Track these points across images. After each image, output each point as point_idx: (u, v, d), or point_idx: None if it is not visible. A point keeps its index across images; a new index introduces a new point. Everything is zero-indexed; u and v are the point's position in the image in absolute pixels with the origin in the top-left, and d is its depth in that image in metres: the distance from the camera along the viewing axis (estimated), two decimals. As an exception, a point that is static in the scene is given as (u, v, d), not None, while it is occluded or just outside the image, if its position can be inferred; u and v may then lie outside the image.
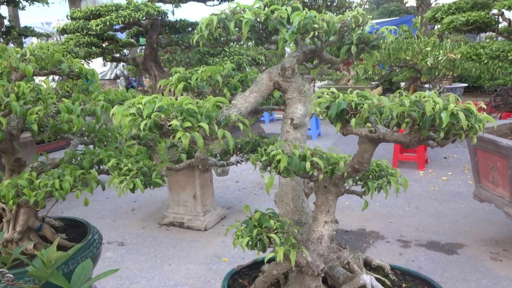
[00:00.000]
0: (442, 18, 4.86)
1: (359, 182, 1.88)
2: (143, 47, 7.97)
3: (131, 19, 5.60)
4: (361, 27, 1.77)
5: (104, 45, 6.88)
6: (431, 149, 7.06)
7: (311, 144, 1.70)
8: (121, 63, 12.84)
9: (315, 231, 1.79)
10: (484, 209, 4.57)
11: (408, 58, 5.96)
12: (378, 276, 1.87)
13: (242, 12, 1.77)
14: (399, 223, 4.39)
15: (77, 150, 2.33)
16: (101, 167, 2.24)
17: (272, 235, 1.60)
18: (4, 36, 7.74)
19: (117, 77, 15.43)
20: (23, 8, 7.74)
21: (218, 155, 2.14)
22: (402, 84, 9.15)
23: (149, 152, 2.04)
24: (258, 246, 1.62)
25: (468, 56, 4.07)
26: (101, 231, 4.12)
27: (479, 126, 1.38)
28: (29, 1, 7.46)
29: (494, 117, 7.33)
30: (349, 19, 1.72)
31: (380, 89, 12.91)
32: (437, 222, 4.37)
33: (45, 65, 2.21)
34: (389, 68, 6.82)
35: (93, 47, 6.69)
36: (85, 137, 2.42)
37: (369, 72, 6.63)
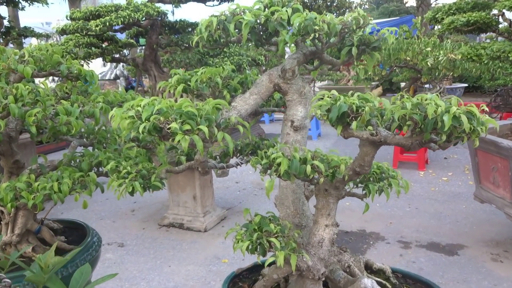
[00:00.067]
0: (443, 18, 4.84)
1: (360, 185, 1.87)
2: (143, 47, 7.95)
3: (131, 20, 5.58)
4: (362, 29, 1.76)
5: (103, 45, 6.86)
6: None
7: (311, 145, 1.69)
8: (121, 64, 12.83)
9: (316, 234, 1.77)
10: (484, 210, 4.55)
11: (408, 58, 5.95)
12: (379, 279, 1.86)
13: (242, 13, 1.76)
14: (400, 224, 4.38)
15: (76, 152, 2.31)
16: (100, 169, 2.23)
17: (273, 239, 1.59)
18: (3, 37, 7.72)
19: (117, 77, 15.42)
20: (22, 9, 7.73)
21: (218, 157, 2.13)
22: (402, 84, 9.14)
23: (149, 154, 2.03)
24: (258, 250, 1.60)
25: (468, 56, 4.06)
26: (101, 232, 4.10)
27: (481, 129, 1.36)
28: (29, 2, 7.45)
29: (494, 118, 7.32)
30: (350, 20, 1.71)
31: (380, 89, 12.91)
32: (438, 223, 4.36)
33: (44, 66, 2.19)
34: (389, 68, 6.81)
35: (93, 48, 6.68)
36: (84, 139, 2.41)
37: (369, 73, 6.62)
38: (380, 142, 1.50)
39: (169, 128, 1.42)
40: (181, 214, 4.48)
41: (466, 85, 11.68)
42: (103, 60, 7.13)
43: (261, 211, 1.79)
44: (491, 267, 3.43)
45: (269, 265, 1.80)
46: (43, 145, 6.80)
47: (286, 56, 1.91)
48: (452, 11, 4.88)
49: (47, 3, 7.76)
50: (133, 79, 14.45)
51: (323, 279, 1.75)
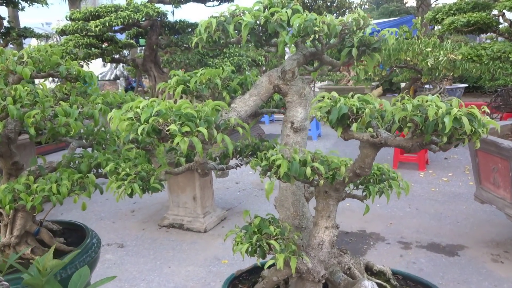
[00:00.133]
0: (443, 19, 4.83)
1: (360, 186, 1.86)
2: (143, 48, 7.94)
3: (131, 20, 5.57)
4: (362, 30, 1.75)
5: (103, 46, 6.85)
6: (431, 150, 7.02)
7: (311, 145, 1.69)
8: (121, 64, 12.82)
9: (316, 236, 1.77)
10: (485, 210, 4.55)
11: (408, 58, 5.94)
12: (379, 281, 1.85)
13: (241, 14, 1.75)
14: (400, 224, 4.37)
15: (75, 153, 2.31)
16: (99, 170, 2.22)
17: (272, 241, 1.58)
18: (3, 37, 7.71)
19: (117, 77, 15.42)
20: (22, 9, 7.72)
21: (217, 158, 2.12)
22: (402, 84, 9.13)
23: (148, 155, 2.02)
24: (258, 252, 1.59)
25: (469, 57, 4.05)
26: (100, 233, 4.10)
27: (482, 130, 1.35)
28: (28, 2, 7.44)
29: (494, 118, 7.31)
30: (350, 21, 1.70)
31: (380, 89, 12.91)
32: (438, 224, 4.35)
33: (43, 67, 2.19)
34: (389, 68, 6.80)
35: (93, 48, 6.67)
36: (84, 140, 2.40)
37: (369, 73, 6.61)
38: (381, 144, 1.50)
39: (168, 130, 1.41)
40: (181, 214, 4.47)
41: (466, 85, 11.67)
42: (103, 61, 7.12)
43: (261, 212, 1.78)
44: (491, 268, 3.42)
45: (269, 267, 1.79)
46: (43, 145, 6.78)
47: (286, 57, 1.90)
48: (452, 12, 4.88)
49: (46, 4, 7.75)
50: (133, 79, 14.44)
51: (323, 281, 1.74)
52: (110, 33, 6.68)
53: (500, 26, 4.67)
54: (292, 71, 1.80)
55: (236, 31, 1.75)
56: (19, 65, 2.07)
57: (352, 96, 1.50)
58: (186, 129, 1.40)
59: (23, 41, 8.47)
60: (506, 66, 4.68)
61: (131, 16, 5.53)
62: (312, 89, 11.49)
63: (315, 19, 1.66)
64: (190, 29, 6.61)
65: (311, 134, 8.57)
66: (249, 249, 1.59)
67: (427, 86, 7.31)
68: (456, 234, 4.07)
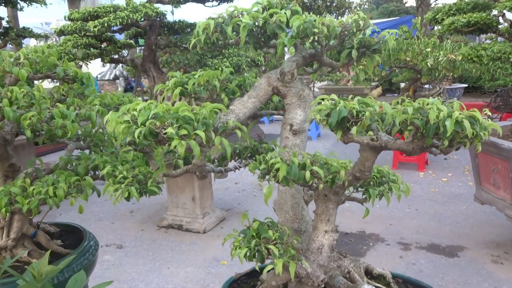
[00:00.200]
0: (443, 19, 4.81)
1: (360, 189, 1.84)
2: (142, 48, 7.92)
3: (129, 20, 5.55)
4: (362, 31, 1.73)
5: (102, 46, 6.83)
6: (431, 150, 7.01)
7: (311, 145, 1.67)
8: (120, 64, 12.81)
9: (315, 240, 1.75)
10: (485, 211, 4.53)
11: (408, 59, 5.92)
12: (379, 285, 1.84)
13: (240, 16, 1.73)
14: (400, 225, 4.36)
15: (72, 155, 2.29)
16: (97, 173, 2.20)
17: (271, 246, 1.56)
18: (2, 37, 7.68)
19: (116, 77, 15.40)
20: (21, 9, 7.68)
21: (216, 160, 2.10)
22: (402, 85, 9.11)
23: (146, 157, 2.00)
24: (256, 257, 1.57)
25: (469, 57, 4.03)
26: (99, 234, 4.07)
27: (484, 133, 1.34)
28: (27, 2, 7.40)
29: (494, 118, 7.30)
30: (350, 23, 1.68)
31: (380, 89, 12.89)
32: (438, 225, 4.33)
33: (40, 69, 2.17)
34: (389, 69, 6.78)
35: (91, 48, 6.64)
36: (81, 142, 2.38)
37: (369, 74, 6.59)
38: (381, 148, 1.48)
39: (165, 133, 1.40)
40: (180, 215, 4.46)
41: (466, 85, 11.66)
42: (101, 61, 7.10)
43: (260, 213, 1.77)
44: (491, 269, 3.41)
45: (268, 271, 1.77)
46: (42, 146, 6.76)
47: (286, 57, 1.88)
48: (452, 12, 4.86)
49: (45, 4, 7.71)
50: (133, 79, 14.43)
51: (323, 286, 1.72)
52: (109, 33, 6.65)
53: (500, 26, 4.65)
54: (291, 73, 1.78)
55: (235, 33, 1.73)
56: (15, 67, 2.05)
57: (352, 99, 1.48)
58: (184, 132, 1.39)
59: (22, 41, 8.43)
60: (506, 67, 4.66)
61: (130, 16, 5.51)
62: (312, 89, 11.47)
63: (315, 21, 1.64)
64: (189, 29, 6.59)
65: (311, 135, 8.55)
66: (248, 254, 1.57)
67: (426, 86, 7.29)
68: (456, 235, 4.06)
